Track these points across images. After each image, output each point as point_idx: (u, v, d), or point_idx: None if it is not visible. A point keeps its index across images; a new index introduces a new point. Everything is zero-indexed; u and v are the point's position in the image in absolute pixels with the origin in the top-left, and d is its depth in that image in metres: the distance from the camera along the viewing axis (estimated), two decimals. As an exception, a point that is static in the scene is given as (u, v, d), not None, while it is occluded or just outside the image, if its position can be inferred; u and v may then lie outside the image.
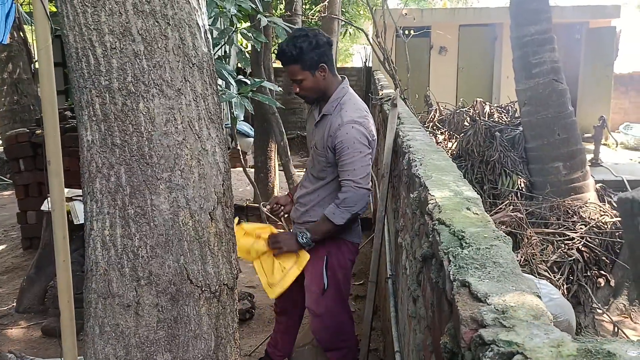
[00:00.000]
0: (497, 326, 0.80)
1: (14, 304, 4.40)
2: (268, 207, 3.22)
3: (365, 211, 2.73)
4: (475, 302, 0.90)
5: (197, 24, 1.82)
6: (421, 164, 1.91)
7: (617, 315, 4.67)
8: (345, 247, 2.87)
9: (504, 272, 0.98)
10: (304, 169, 3.41)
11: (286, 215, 3.23)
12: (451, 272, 1.01)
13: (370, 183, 2.69)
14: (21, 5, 2.42)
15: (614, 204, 5.62)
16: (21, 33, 9.38)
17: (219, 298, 1.90)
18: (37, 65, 2.46)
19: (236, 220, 2.81)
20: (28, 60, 9.53)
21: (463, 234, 1.16)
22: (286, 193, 3.36)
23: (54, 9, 4.15)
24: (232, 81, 3.20)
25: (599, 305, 4.59)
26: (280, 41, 3.37)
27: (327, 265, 2.82)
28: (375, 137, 2.79)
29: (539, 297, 0.90)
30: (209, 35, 1.92)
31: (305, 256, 2.77)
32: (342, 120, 2.66)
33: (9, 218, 6.94)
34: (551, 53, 5.89)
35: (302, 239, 2.74)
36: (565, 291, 4.42)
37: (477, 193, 5.38)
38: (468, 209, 1.35)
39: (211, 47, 1.94)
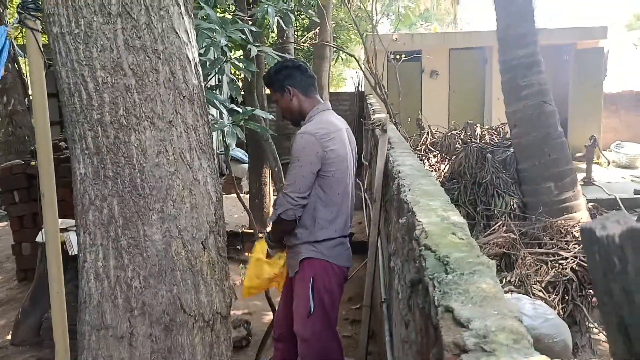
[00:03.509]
0: (478, 351, 0.83)
1: (10, 337, 4.37)
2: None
3: (291, 219, 2.82)
4: (458, 327, 0.92)
5: (187, 57, 1.86)
6: (410, 190, 1.94)
7: (614, 335, 4.66)
8: (332, 271, 2.89)
9: (487, 296, 1.01)
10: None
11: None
12: (436, 298, 1.04)
13: (300, 194, 2.74)
14: (15, 38, 2.45)
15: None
16: (16, 65, 9.46)
17: (213, 327, 1.91)
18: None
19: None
20: (23, 91, 9.60)
21: (448, 259, 1.19)
22: None
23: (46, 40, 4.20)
24: (224, 110, 3.25)
25: (595, 324, 4.59)
26: None
27: (313, 288, 2.84)
28: (333, 150, 2.79)
29: (520, 320, 0.92)
30: (199, 68, 1.96)
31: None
32: (298, 131, 2.84)
33: (3, 250, 6.91)
34: (539, 76, 5.97)
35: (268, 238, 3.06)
36: (560, 311, 4.42)
37: (471, 214, 5.37)
38: (454, 234, 1.37)
39: (201, 79, 1.98)
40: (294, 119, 3.02)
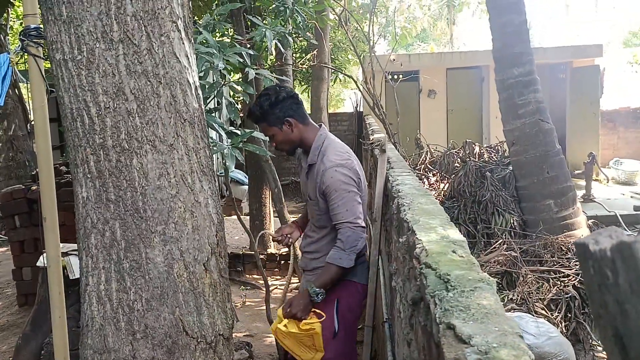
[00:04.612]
0: (480, 367, 0.83)
1: (9, 363, 4.34)
2: (274, 237, 3.19)
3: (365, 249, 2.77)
4: (460, 344, 0.93)
5: (188, 81, 1.89)
6: (409, 208, 1.96)
7: (618, 352, 4.64)
8: (355, 290, 2.89)
9: (488, 313, 1.02)
10: (299, 215, 3.45)
11: (291, 242, 3.19)
12: (437, 315, 1.05)
13: (363, 219, 2.72)
14: (16, 64, 2.49)
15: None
16: (16, 90, 9.54)
17: (215, 349, 1.91)
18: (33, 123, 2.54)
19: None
20: (23, 117, 9.66)
21: (448, 277, 1.20)
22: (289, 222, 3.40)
23: (48, 65, 4.24)
24: (223, 133, 3.28)
25: (599, 342, 4.57)
26: None
27: (337, 308, 2.83)
28: (361, 176, 2.85)
29: (521, 336, 0.93)
30: (199, 92, 1.99)
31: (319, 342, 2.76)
32: (325, 166, 2.74)
33: (4, 275, 6.89)
34: (535, 94, 6.03)
35: (317, 298, 2.71)
36: (563, 329, 4.41)
37: (471, 233, 5.37)
38: (454, 251, 1.38)
39: (202, 103, 2.01)
40: (291, 150, 2.94)
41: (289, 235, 3.16)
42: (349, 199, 2.70)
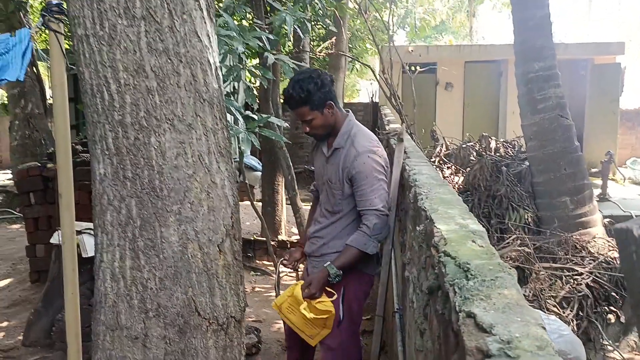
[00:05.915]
0: (502, 356, 0.82)
1: (21, 338, 4.39)
2: (286, 263, 3.14)
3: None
4: (481, 333, 0.91)
5: (209, 61, 1.87)
6: (427, 198, 1.94)
7: (629, 352, 4.60)
8: (362, 279, 2.87)
9: (509, 303, 1.00)
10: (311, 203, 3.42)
11: (296, 266, 3.17)
12: (457, 303, 1.03)
13: (388, 207, 2.71)
14: (36, 42, 2.49)
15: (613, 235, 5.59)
16: (34, 69, 9.57)
17: (227, 330, 1.90)
18: (50, 101, 2.54)
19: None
20: (41, 95, 9.70)
21: (468, 265, 1.18)
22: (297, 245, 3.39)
23: (68, 45, 4.25)
24: (240, 117, 3.26)
25: (610, 342, 4.53)
26: (287, 78, 3.48)
27: (343, 297, 2.82)
28: (388, 164, 2.84)
29: (544, 328, 0.91)
30: (219, 72, 1.97)
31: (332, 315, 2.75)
32: (358, 151, 2.72)
33: (17, 251, 6.97)
34: (556, 89, 5.94)
35: (335, 279, 2.70)
36: (575, 327, 4.37)
37: (484, 227, 5.34)
38: (473, 241, 1.36)
39: (221, 83, 1.99)
40: (324, 135, 2.87)
41: (296, 262, 3.12)
42: (379, 187, 2.69)
